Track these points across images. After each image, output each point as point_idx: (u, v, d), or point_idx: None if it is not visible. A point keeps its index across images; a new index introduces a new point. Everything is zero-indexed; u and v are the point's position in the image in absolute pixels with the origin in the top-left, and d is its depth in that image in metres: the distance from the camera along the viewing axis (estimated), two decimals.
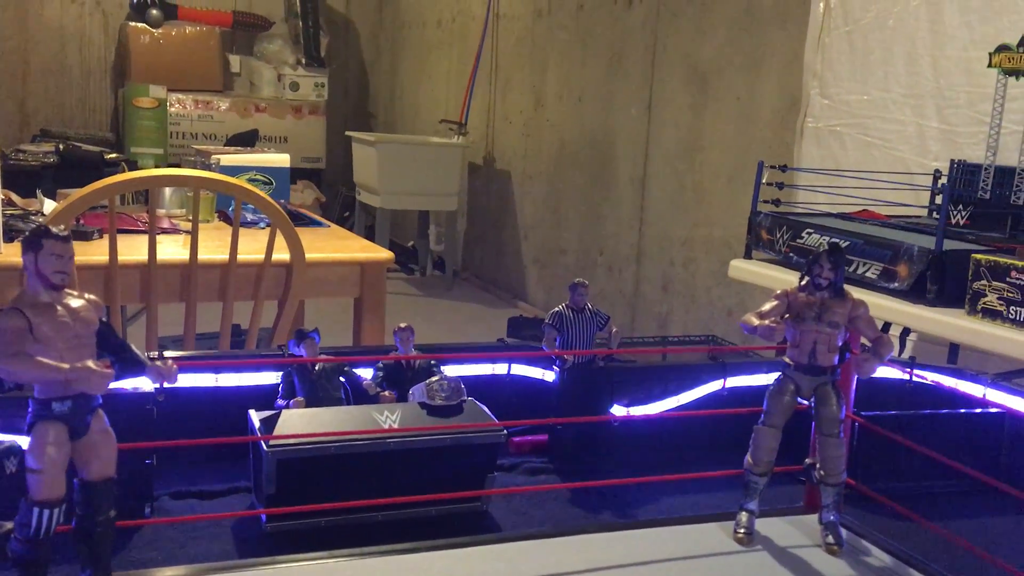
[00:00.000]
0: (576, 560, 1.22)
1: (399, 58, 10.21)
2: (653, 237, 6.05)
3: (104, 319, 1.09)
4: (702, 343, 5.49)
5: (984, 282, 2.62)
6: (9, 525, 1.05)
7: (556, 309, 1.74)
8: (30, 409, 1.03)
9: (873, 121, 4.21)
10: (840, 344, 1.37)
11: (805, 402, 1.37)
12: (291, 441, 1.30)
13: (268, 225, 3.25)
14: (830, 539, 1.34)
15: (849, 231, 3.15)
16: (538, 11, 7.43)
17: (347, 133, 8.39)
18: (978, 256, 2.67)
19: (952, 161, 3.72)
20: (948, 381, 1.86)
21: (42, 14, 9.29)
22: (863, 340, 1.38)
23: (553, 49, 7.24)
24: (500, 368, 1.70)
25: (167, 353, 1.46)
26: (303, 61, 9.55)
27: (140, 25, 9.02)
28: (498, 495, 1.41)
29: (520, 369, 1.73)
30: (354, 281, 3.01)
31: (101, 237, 2.92)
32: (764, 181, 3.49)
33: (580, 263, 6.90)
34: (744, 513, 1.38)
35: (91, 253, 2.74)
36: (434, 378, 1.48)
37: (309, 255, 2.83)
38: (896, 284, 2.89)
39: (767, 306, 1.33)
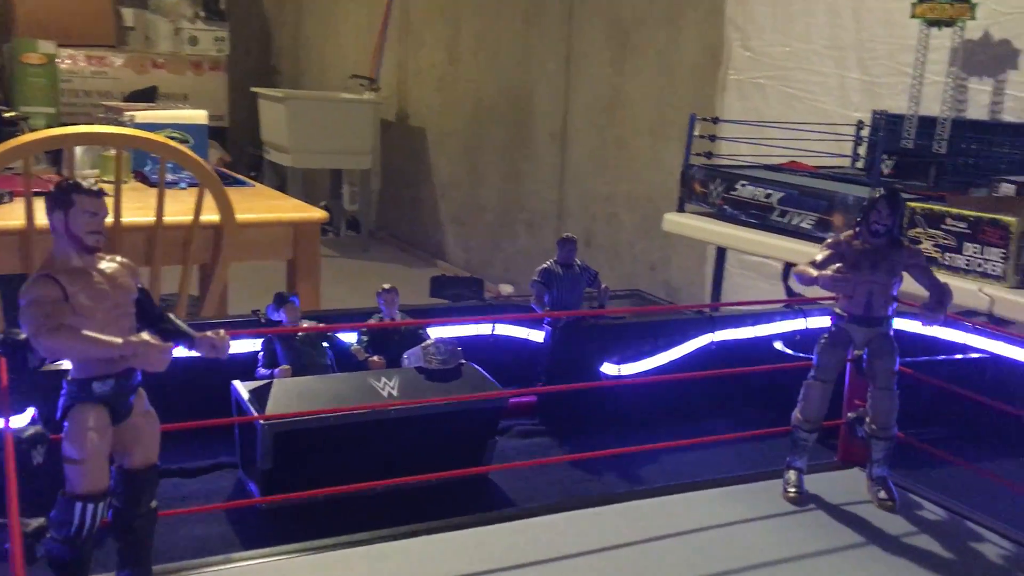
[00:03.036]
0: (630, 531, 1.16)
1: (304, 11, 9.87)
2: (575, 193, 6.03)
3: (141, 284, 0.97)
4: (627, 298, 5.54)
5: (920, 230, 2.68)
6: (36, 523, 0.92)
7: (544, 265, 1.68)
8: (65, 390, 0.91)
9: (795, 73, 4.25)
10: (895, 294, 1.33)
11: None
12: (286, 415, 1.21)
13: (190, 185, 3.09)
14: (882, 495, 1.31)
15: (783, 182, 3.18)
16: None
17: (253, 89, 8.08)
18: (913, 204, 2.72)
19: (874, 112, 3.79)
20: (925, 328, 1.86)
21: None
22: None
23: (467, 2, 7.09)
24: (484, 329, 1.64)
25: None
26: (201, 14, 9.15)
27: None
28: (497, 461, 1.36)
29: (504, 329, 1.67)
30: (287, 243, 2.88)
31: (12, 200, 2.72)
32: (697, 134, 3.49)
33: (500, 221, 6.84)
34: (792, 472, 1.33)
35: (4, 218, 2.55)
36: (429, 341, 1.42)
37: (240, 216, 2.69)
38: (832, 233, 2.93)
39: (820, 255, 1.28)
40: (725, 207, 3.31)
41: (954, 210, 2.59)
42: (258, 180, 8.48)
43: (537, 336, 1.65)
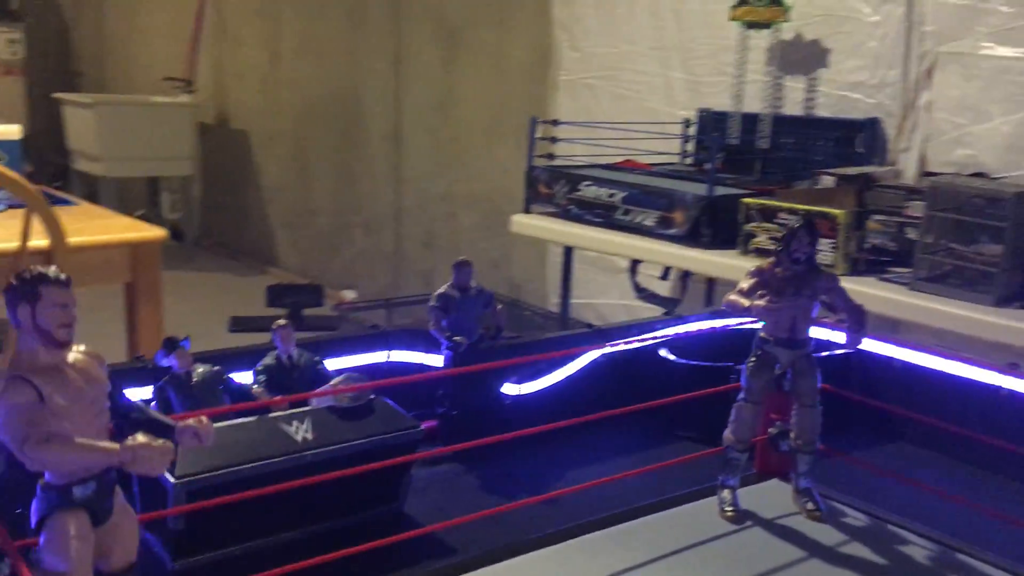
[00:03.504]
0: (594, 566, 1.14)
1: (105, 10, 9.28)
2: (412, 194, 6.00)
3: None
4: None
5: (755, 224, 2.84)
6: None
7: (441, 290, 1.67)
8: (40, 497, 0.84)
9: (623, 73, 4.40)
10: (814, 316, 1.39)
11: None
12: (200, 470, 1.13)
13: (9, 207, 2.86)
14: (810, 505, 1.37)
15: (625, 182, 3.29)
16: None
17: (56, 95, 7.54)
18: (748, 200, 2.89)
19: (699, 110, 3.98)
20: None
21: None
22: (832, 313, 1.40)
23: (287, 1, 6.89)
24: (379, 356, 1.60)
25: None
26: None
27: None
28: (408, 492, 1.33)
29: (400, 355, 1.64)
30: (124, 265, 2.71)
31: None
32: (538, 136, 3.55)
33: (335, 224, 6.71)
34: (727, 491, 1.38)
35: None
36: (339, 378, 1.37)
37: (72, 239, 2.51)
38: (673, 230, 3.06)
39: (745, 284, 1.33)
40: (571, 207, 3.39)
41: (786, 204, 2.77)
42: (64, 191, 7.95)
43: (435, 361, 1.63)
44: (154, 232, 2.78)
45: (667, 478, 1.48)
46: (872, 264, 2.67)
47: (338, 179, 6.62)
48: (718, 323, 2.08)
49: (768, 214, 2.80)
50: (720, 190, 3.03)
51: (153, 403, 1.32)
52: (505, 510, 1.34)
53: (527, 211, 3.59)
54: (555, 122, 3.60)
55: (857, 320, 1.44)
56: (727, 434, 1.43)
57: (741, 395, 1.43)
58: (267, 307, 5.84)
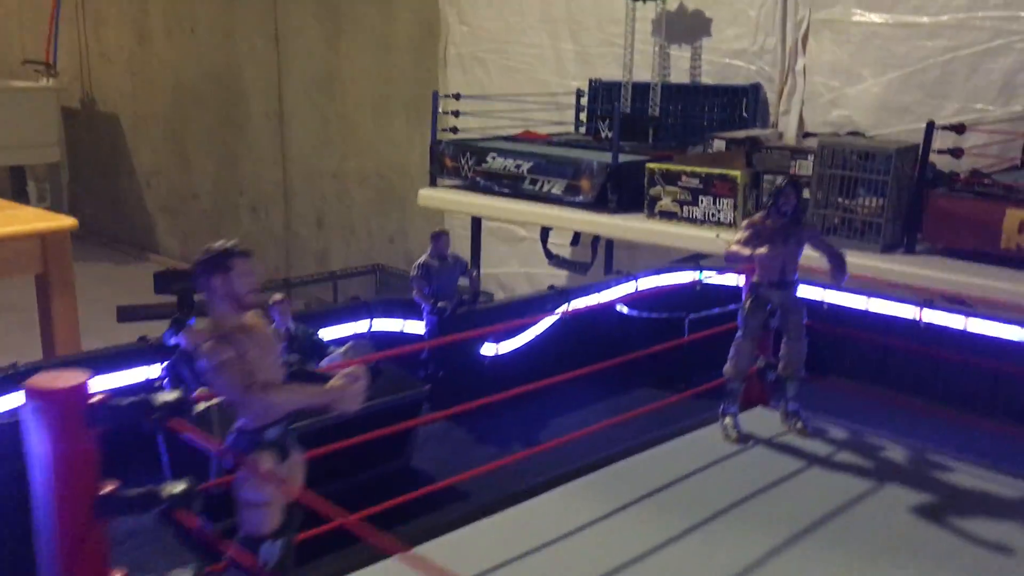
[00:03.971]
0: (619, 494, 1.26)
1: None
2: (300, 173, 5.95)
3: None
4: (369, 273, 5.59)
5: (659, 188, 3.01)
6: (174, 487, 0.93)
7: (421, 260, 1.74)
8: (234, 440, 0.94)
9: (513, 46, 4.49)
10: (798, 260, 1.62)
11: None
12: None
13: None
14: (799, 425, 1.61)
15: (530, 152, 3.40)
16: None
17: None
18: (651, 165, 3.04)
19: (591, 80, 4.13)
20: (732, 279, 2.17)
21: None
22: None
23: None
24: (362, 326, 1.65)
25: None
26: None
27: None
28: (416, 448, 1.40)
29: (381, 324, 1.69)
30: (34, 256, 2.64)
31: None
32: (441, 111, 3.62)
33: (218, 206, 6.58)
34: (729, 417, 1.59)
35: None
36: (345, 346, 1.42)
37: None
38: (581, 197, 3.20)
39: (741, 235, 1.55)
40: (478, 179, 3.47)
41: (688, 168, 2.94)
42: None
43: (415, 327, 1.70)
44: (64, 221, 2.71)
45: (642, 424, 1.65)
46: None
47: (220, 160, 6.48)
48: (666, 280, 2.28)
49: (671, 178, 2.97)
50: (623, 157, 3.18)
51: (165, 379, 1.36)
52: (509, 461, 1.44)
53: (433, 184, 3.65)
54: (457, 96, 3.67)
55: (839, 263, 1.63)
56: (727, 368, 1.60)
57: (739, 333, 1.59)
58: (156, 294, 5.69)
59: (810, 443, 1.67)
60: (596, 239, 3.49)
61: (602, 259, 3.64)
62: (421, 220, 5.22)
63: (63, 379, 0.90)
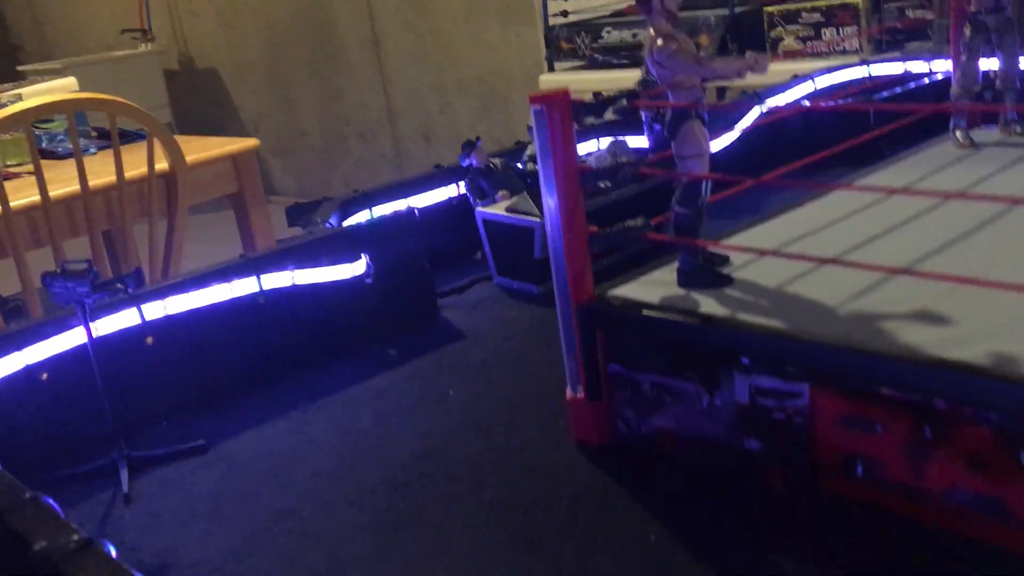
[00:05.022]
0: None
1: None
2: (401, 94, 6.18)
3: None
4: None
5: (780, 28, 3.15)
6: (635, 222, 1.29)
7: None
8: (673, 113, 1.23)
9: None
10: None
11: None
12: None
13: (100, 149, 3.08)
14: (1019, 129, 1.83)
15: (641, 20, 3.55)
16: None
17: (19, 68, 7.50)
18: (769, 8, 3.18)
19: None
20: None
21: None
22: None
23: None
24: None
25: None
26: None
27: None
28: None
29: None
30: (230, 176, 2.96)
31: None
32: None
33: (327, 140, 6.88)
34: (959, 130, 1.82)
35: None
36: (606, 147, 1.65)
37: (188, 157, 2.75)
38: (703, 53, 3.36)
39: None
40: (596, 56, 3.66)
41: (806, 4, 3.07)
42: None
43: None
44: (249, 142, 3.01)
45: None
46: (891, 44, 3.01)
47: (321, 95, 6.76)
48: (840, 76, 2.51)
49: (790, 17, 3.10)
50: (738, 7, 3.31)
51: (465, 194, 1.63)
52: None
53: (551, 70, 3.84)
54: None
55: None
56: (954, 88, 1.81)
57: (963, 57, 1.80)
58: (288, 227, 6.07)
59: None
60: (722, 90, 3.65)
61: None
62: (526, 118, 5.42)
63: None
